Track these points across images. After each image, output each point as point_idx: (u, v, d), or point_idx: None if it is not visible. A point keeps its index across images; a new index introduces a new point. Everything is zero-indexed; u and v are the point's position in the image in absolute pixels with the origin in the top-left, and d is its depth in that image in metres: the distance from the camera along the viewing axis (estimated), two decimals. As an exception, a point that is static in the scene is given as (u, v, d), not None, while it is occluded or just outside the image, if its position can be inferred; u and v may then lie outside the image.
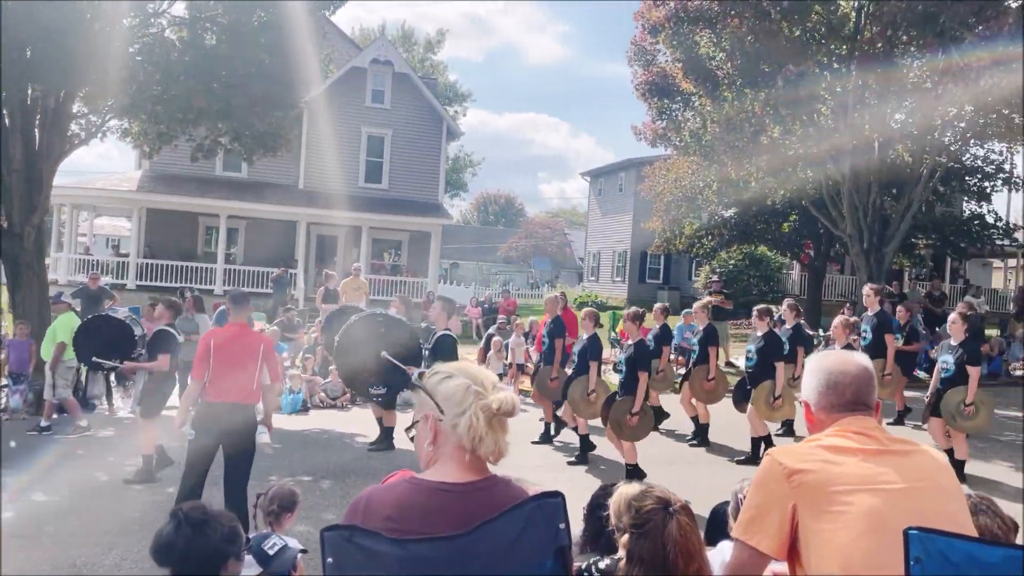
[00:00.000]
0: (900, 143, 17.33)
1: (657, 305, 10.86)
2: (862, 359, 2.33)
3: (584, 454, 8.80)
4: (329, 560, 1.65)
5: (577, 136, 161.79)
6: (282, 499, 4.09)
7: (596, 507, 3.40)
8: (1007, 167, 21.40)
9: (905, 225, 17.29)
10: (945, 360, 8.33)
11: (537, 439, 9.70)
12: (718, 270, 24.03)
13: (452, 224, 36.55)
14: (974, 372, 8.05)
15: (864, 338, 9.56)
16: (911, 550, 1.80)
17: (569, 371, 9.40)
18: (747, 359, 9.16)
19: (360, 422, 10.51)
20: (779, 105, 16.25)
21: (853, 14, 16.42)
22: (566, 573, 1.81)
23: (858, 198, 17.11)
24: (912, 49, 16.26)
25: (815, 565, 2.05)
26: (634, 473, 7.52)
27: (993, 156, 20.66)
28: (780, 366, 8.67)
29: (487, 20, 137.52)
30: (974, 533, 2.21)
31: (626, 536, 2.62)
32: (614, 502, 3.08)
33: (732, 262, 24.30)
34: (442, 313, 7.67)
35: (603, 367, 9.82)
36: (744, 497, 2.40)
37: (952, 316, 8.61)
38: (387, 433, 9.12)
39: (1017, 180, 21.59)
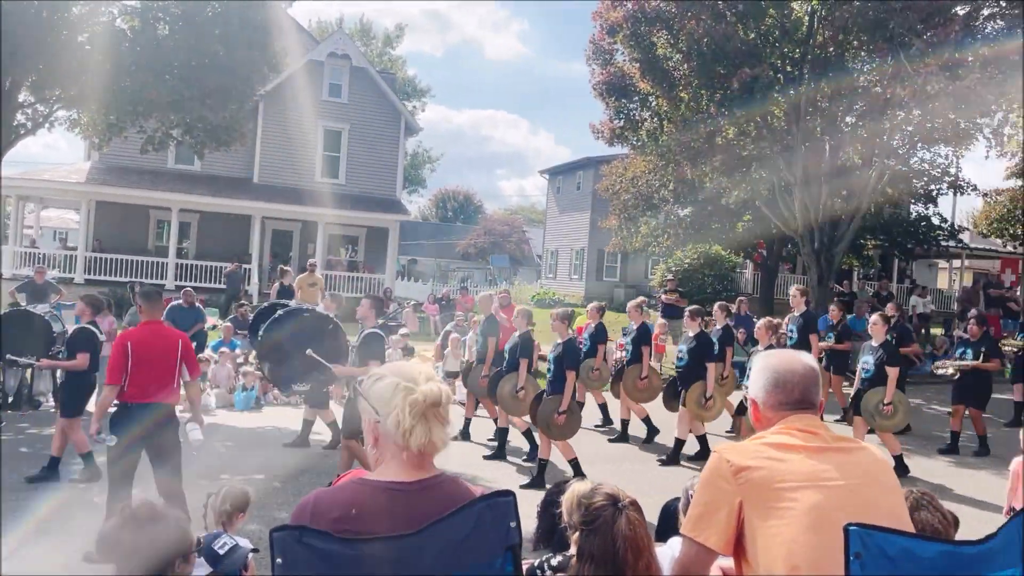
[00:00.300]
0: (851, 146, 17.71)
1: (591, 304, 10.82)
2: (808, 359, 2.39)
3: (502, 449, 8.91)
4: (278, 560, 1.64)
5: (536, 133, 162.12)
6: (234, 499, 4.04)
7: (549, 505, 3.43)
8: (952, 171, 22.00)
9: (854, 226, 17.67)
10: (866, 361, 8.57)
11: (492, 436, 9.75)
12: (673, 269, 24.29)
13: (410, 220, 36.42)
14: (892, 372, 8.29)
15: (790, 338, 9.68)
16: (851, 545, 1.85)
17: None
18: (678, 359, 9.25)
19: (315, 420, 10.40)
20: (734, 106, 16.48)
21: (806, 18, 16.73)
22: (517, 571, 1.82)
23: (809, 199, 17.44)
24: (863, 54, 16.64)
25: (760, 560, 2.09)
26: (575, 469, 7.60)
27: (939, 160, 21.22)
28: (711, 367, 8.72)
29: (446, 16, 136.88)
30: (911, 528, 2.29)
31: (577, 533, 2.66)
32: (565, 500, 3.11)
33: (687, 261, 24.55)
34: (371, 311, 7.55)
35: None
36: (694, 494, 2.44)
37: (873, 318, 8.88)
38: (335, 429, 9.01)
39: (962, 184, 22.23)
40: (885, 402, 8.22)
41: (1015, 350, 11.92)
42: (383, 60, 51.46)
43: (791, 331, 9.90)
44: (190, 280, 22.12)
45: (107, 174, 23.10)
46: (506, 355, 8.88)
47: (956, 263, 29.76)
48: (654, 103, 18.49)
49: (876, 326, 8.65)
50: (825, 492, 2.09)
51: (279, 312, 8.16)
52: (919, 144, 18.05)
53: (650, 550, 2.55)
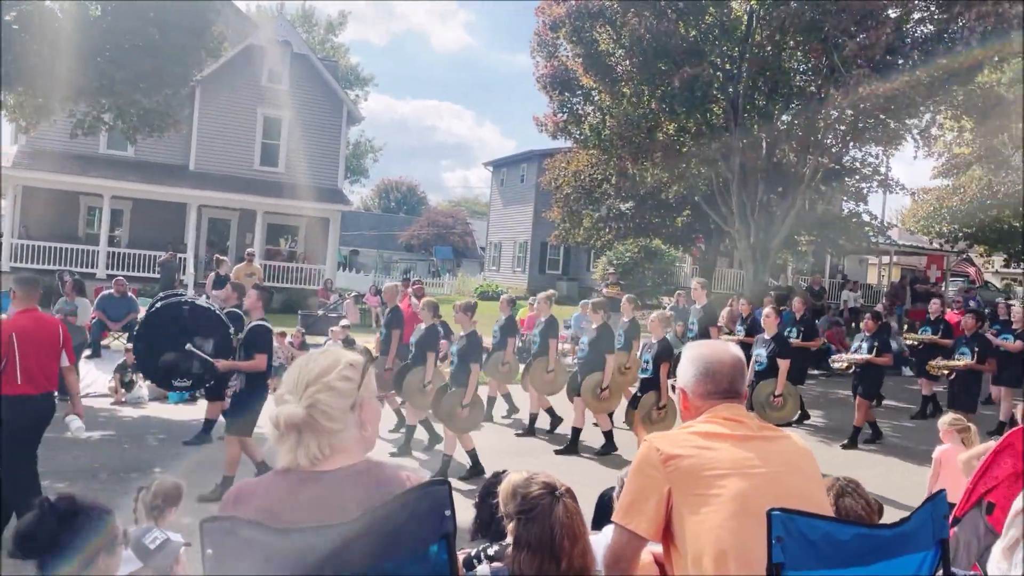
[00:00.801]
0: (786, 143, 18.16)
1: (503, 296, 10.75)
2: (735, 350, 2.48)
3: (407, 444, 8.67)
4: (209, 552, 1.63)
5: (481, 125, 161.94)
6: (166, 493, 3.96)
7: (487, 495, 3.46)
8: (882, 170, 22.75)
9: (789, 222, 18.13)
10: (759, 353, 8.72)
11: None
12: (615, 262, 24.58)
13: (352, 210, 35.98)
14: (783, 365, 8.48)
15: (690, 330, 9.77)
16: (774, 530, 1.92)
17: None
18: (580, 351, 9.18)
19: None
20: (675, 103, 16.72)
21: (745, 17, 17.06)
22: (451, 559, 1.84)
23: (746, 195, 17.83)
24: (799, 54, 17.05)
25: (689, 546, 2.16)
26: (473, 464, 7.67)
27: (870, 159, 21.92)
28: (610, 358, 8.66)
29: (391, 5, 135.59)
30: (831, 513, 2.39)
31: (513, 522, 2.69)
32: (502, 490, 3.14)
33: (628, 254, 24.90)
34: (258, 302, 7.26)
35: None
36: (627, 482, 2.50)
37: (766, 311, 9.00)
38: (206, 426, 8.67)
39: (891, 182, 23.00)
40: (776, 393, 8.41)
41: (916, 344, 12.27)
42: (325, 47, 50.65)
43: (692, 324, 9.96)
44: (122, 269, 21.52)
45: (35, 158, 22.25)
46: (412, 348, 8.70)
47: (885, 259, 30.77)
48: (597, 98, 18.64)
49: (768, 319, 8.77)
50: (750, 479, 2.17)
51: (157, 304, 7.67)
52: (851, 143, 18.59)
53: (585, 538, 2.60)
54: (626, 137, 17.60)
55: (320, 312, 18.98)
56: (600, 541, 2.90)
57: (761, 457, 2.22)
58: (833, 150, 18.38)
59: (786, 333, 10.16)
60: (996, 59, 15.10)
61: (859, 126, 16.79)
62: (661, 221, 24.24)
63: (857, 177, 22.46)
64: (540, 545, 2.57)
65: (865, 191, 22.97)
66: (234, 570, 1.62)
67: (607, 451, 8.76)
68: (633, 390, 8.96)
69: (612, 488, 3.74)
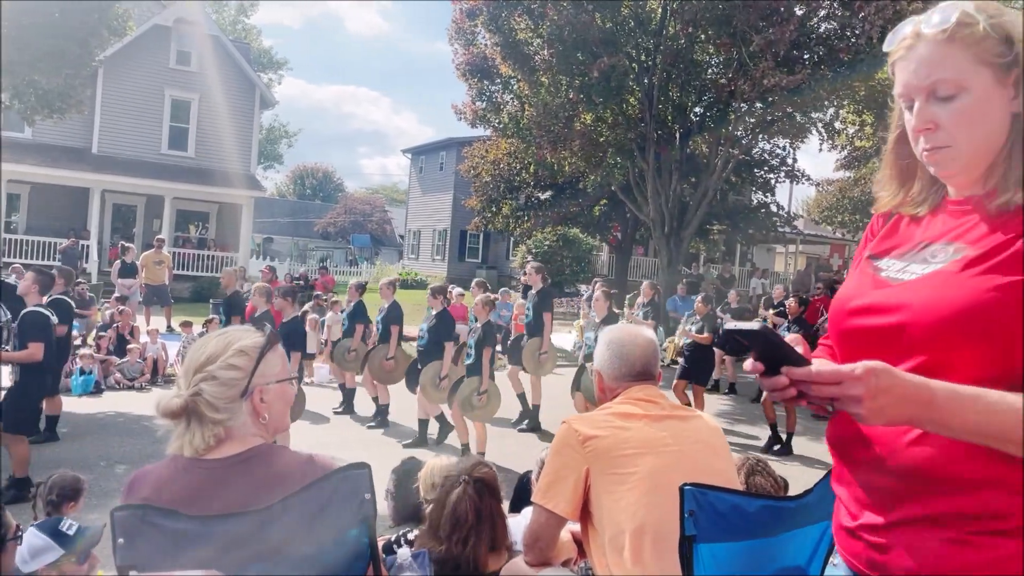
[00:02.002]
0: (698, 135, 18.63)
1: (352, 282, 10.69)
2: (648, 333, 2.56)
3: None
4: (120, 541, 1.59)
5: (399, 112, 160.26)
6: (63, 487, 3.82)
7: (398, 483, 3.49)
8: (790, 161, 23.64)
9: (701, 212, 18.62)
10: (588, 337, 8.76)
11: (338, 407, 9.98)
12: (533, 250, 24.77)
13: (265, 197, 35.12)
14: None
15: (527, 316, 9.54)
16: (686, 504, 1.99)
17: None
18: (419, 338, 8.78)
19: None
20: (592, 93, 16.91)
21: (659, 10, 17.37)
22: (372, 542, 1.85)
23: (660, 185, 18.21)
24: (710, 47, 17.48)
25: (607, 523, 2.22)
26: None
27: (778, 151, 22.74)
28: (448, 346, 8.35)
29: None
30: (739, 487, 2.50)
31: (429, 507, 2.72)
32: (421, 476, 3.17)
33: (547, 243, 25.12)
34: (33, 286, 6.68)
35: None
36: (546, 464, 2.55)
37: (596, 294, 8.87)
38: (50, 423, 8.14)
39: (797, 174, 23.92)
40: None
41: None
42: (236, 29, 49.11)
43: (528, 309, 9.73)
44: (20, 256, 20.47)
45: (-81, 139, 20.91)
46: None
47: (791, 248, 31.97)
48: (515, 86, 18.68)
49: (599, 302, 8.65)
50: (664, 457, 2.25)
51: None
52: (760, 135, 19.21)
53: (477, 527, 2.61)
54: (544, 126, 17.70)
55: (52, 298, 18.40)
56: (520, 523, 2.95)
57: (674, 435, 2.31)
58: (743, 142, 18.95)
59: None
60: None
61: (768, 119, 17.36)
62: (579, 210, 24.57)
63: (766, 168, 23.29)
64: (430, 524, 2.60)
65: (773, 182, 23.87)
66: (146, 558, 1.59)
67: (421, 441, 8.49)
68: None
69: (530, 472, 3.80)
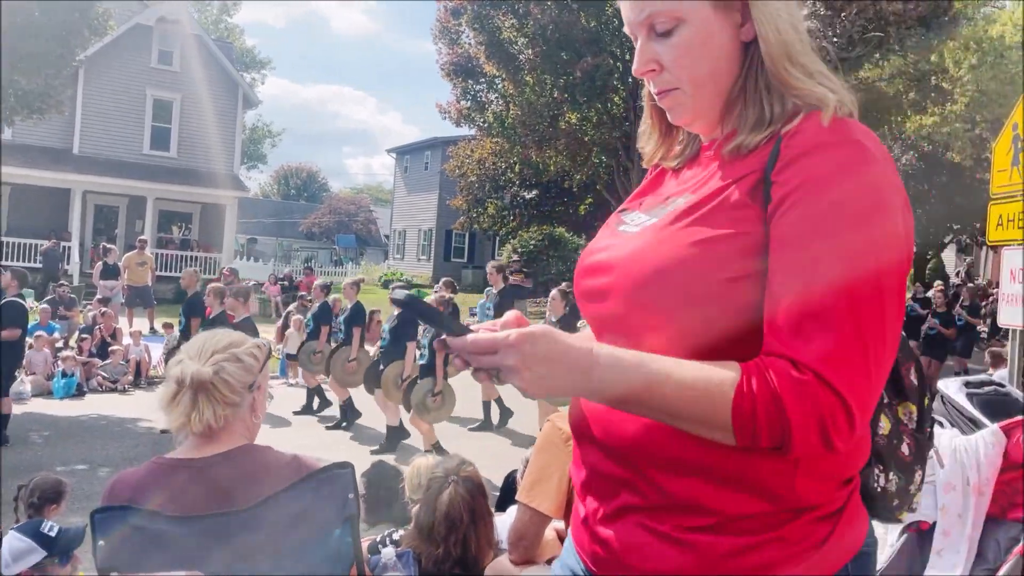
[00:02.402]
0: (682, 133, 18.70)
1: (317, 282, 10.63)
2: None
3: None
4: (100, 543, 1.58)
5: (384, 112, 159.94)
6: (44, 490, 3.79)
7: (369, 485, 3.49)
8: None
9: (686, 210, 18.70)
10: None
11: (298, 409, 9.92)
12: (519, 250, 24.79)
13: (249, 197, 34.95)
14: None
15: (488, 316, 9.47)
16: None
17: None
18: (381, 339, 8.64)
19: (144, 407, 9.86)
20: (576, 92, 16.96)
21: (644, 10, 17.44)
22: (355, 541, 1.85)
23: (646, 184, 18.28)
24: (694, 47, 17.58)
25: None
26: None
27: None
28: (411, 346, 8.12)
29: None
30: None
31: (415, 507, 2.71)
32: (407, 476, 3.16)
33: (533, 242, 25.15)
34: (13, 281, 7.32)
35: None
36: (532, 463, 2.55)
37: (553, 293, 8.63)
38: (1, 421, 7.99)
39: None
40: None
41: None
42: (219, 28, 48.84)
43: (488, 308, 9.80)
44: (1, 258, 20.26)
45: None
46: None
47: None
48: (500, 86, 18.70)
49: (555, 301, 8.46)
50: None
51: None
52: (741, 133, 19.31)
53: (476, 523, 2.61)
54: (529, 125, 17.75)
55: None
56: (505, 522, 2.95)
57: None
58: (725, 139, 19.05)
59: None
60: (876, 55, 15.93)
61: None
62: (564, 209, 24.63)
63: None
64: (425, 530, 2.59)
65: (757, 180, 24.04)
66: (127, 560, 1.59)
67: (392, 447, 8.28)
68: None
69: (516, 471, 3.81)
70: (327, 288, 10.19)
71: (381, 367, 8.00)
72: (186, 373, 1.77)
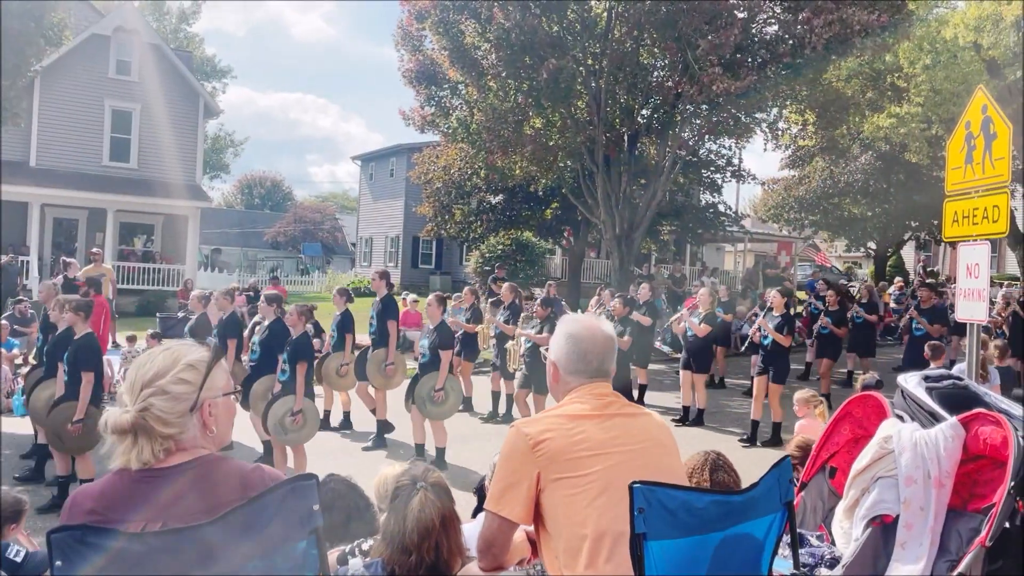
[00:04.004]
0: (646, 137, 18.84)
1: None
2: (608, 328, 2.56)
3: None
4: (58, 563, 1.54)
5: (347, 119, 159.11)
6: (4, 509, 3.71)
7: (325, 506, 3.45)
8: (735, 161, 24.06)
9: (651, 213, 18.82)
10: (422, 345, 8.35)
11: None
12: (487, 255, 24.77)
13: (212, 207, 34.52)
14: (445, 356, 8.01)
15: (371, 325, 9.25)
16: (635, 501, 2.00)
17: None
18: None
19: (108, 421, 9.68)
20: (541, 97, 16.99)
21: (604, 14, 17.54)
22: (321, 553, 1.83)
23: (610, 187, 18.37)
24: (656, 50, 17.71)
25: (561, 527, 2.22)
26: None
27: (724, 151, 23.13)
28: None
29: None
30: (686, 483, 2.53)
31: (383, 516, 2.69)
32: (375, 485, 3.14)
33: (500, 247, 25.14)
34: None
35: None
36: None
37: (429, 299, 8.53)
38: None
39: (743, 173, 24.37)
40: (436, 387, 7.90)
41: None
42: (178, 37, 48.23)
43: (372, 318, 9.44)
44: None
45: None
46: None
47: (740, 247, 32.50)
48: (464, 91, 18.66)
49: (431, 307, 8.35)
50: (615, 456, 2.26)
51: None
52: (706, 136, 19.50)
53: (446, 530, 2.59)
54: (494, 131, 17.73)
55: (180, 314, 18.12)
56: (471, 530, 2.94)
57: (624, 434, 2.32)
58: (690, 143, 19.22)
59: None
60: (834, 57, 16.19)
61: (713, 120, 17.63)
62: (531, 213, 24.67)
63: (712, 169, 23.67)
64: (393, 537, 2.57)
65: (720, 182, 24.27)
66: (86, 581, 1.55)
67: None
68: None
69: (485, 477, 3.79)
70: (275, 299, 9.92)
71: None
72: (108, 423, 1.77)
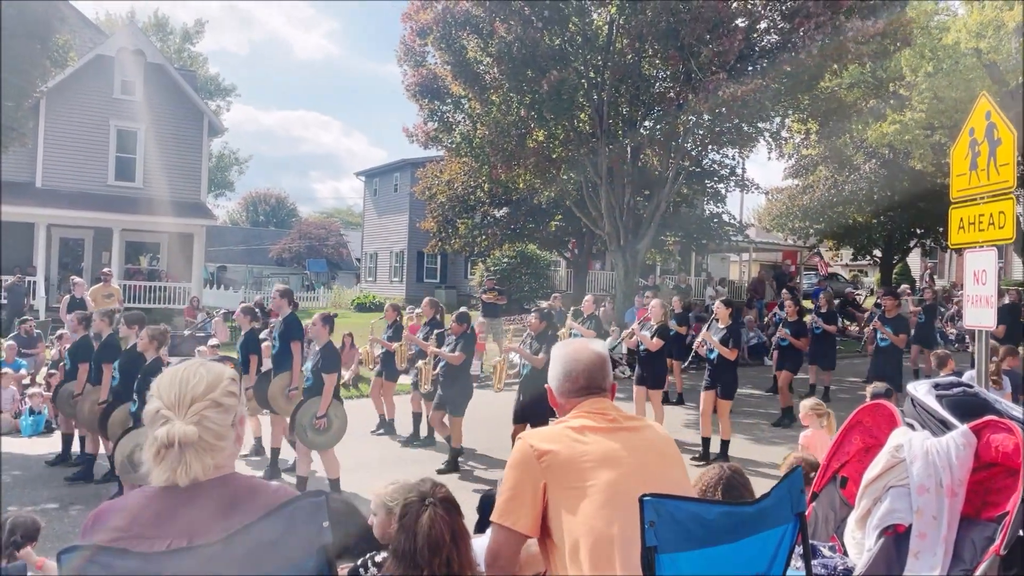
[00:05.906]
0: (649, 148, 18.86)
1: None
2: (597, 346, 2.58)
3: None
4: (68, 582, 1.54)
5: (350, 135, 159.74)
6: (25, 529, 3.72)
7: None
8: (739, 171, 24.08)
9: (655, 223, 18.84)
10: (305, 368, 7.71)
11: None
12: (492, 268, 24.78)
13: (217, 225, 34.62)
14: (329, 380, 7.33)
15: (274, 347, 8.70)
16: (646, 515, 1.99)
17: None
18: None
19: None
20: (543, 109, 17.05)
21: (606, 27, 17.62)
22: (331, 570, 1.82)
23: (614, 199, 18.39)
24: (658, 61, 17.76)
25: (566, 538, 2.21)
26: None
27: (727, 161, 23.15)
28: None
29: (250, 12, 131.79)
30: (693, 494, 2.52)
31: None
32: (375, 496, 3.14)
33: (505, 260, 25.16)
34: None
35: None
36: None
37: (314, 319, 7.84)
38: None
39: (747, 182, 24.38)
40: (318, 415, 7.21)
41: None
42: (182, 57, 48.62)
43: (275, 338, 8.89)
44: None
45: None
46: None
47: (745, 256, 32.45)
48: (467, 106, 18.74)
49: (316, 327, 7.66)
50: (620, 468, 2.26)
51: None
52: (709, 146, 19.52)
53: (456, 545, 2.59)
54: (497, 144, 17.78)
55: (187, 332, 18.16)
56: (481, 543, 2.93)
57: (629, 446, 2.32)
58: (693, 153, 19.24)
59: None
60: (834, 66, 16.22)
61: (716, 130, 17.66)
62: (535, 226, 24.69)
63: (716, 179, 23.68)
64: (403, 553, 2.56)
65: (724, 192, 24.27)
66: (96, 601, 1.54)
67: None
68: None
69: (492, 490, 3.78)
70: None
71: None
72: (173, 435, 1.72)
